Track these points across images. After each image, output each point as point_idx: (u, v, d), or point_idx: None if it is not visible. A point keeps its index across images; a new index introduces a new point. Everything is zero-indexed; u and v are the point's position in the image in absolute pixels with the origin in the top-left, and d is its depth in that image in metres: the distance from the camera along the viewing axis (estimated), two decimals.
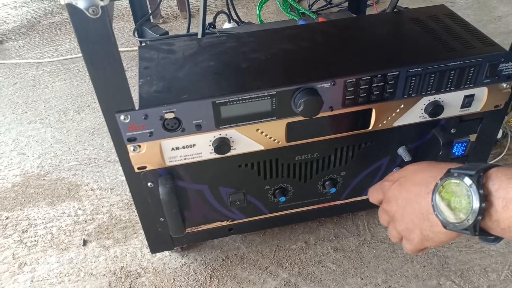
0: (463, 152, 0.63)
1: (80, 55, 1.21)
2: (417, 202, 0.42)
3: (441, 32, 0.59)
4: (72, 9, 0.38)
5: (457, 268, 0.66)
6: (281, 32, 0.62)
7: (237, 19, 1.05)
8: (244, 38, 0.60)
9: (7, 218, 0.77)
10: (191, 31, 0.99)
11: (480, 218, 0.35)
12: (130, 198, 0.78)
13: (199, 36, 0.70)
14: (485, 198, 0.35)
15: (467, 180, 0.36)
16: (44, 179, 0.85)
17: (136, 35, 1.02)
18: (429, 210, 0.40)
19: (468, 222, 0.36)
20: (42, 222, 0.76)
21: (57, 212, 0.78)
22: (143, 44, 0.98)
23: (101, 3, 0.38)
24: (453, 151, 0.63)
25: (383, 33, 0.60)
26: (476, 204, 0.35)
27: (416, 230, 0.42)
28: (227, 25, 1.01)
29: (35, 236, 0.74)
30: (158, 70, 0.54)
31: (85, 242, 0.72)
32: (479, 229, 0.36)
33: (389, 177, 0.49)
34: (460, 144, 0.62)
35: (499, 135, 0.85)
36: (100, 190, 0.82)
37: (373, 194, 0.51)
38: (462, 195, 0.36)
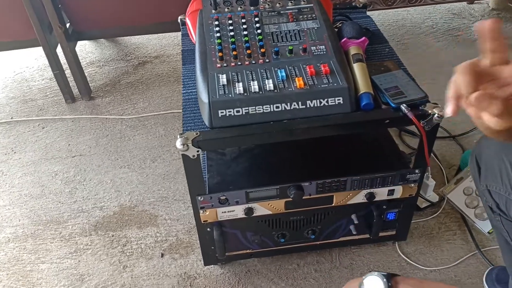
0: (394, 217, 1.05)
1: (152, 113, 1.69)
2: None
3: (377, 152, 1.01)
4: (185, 156, 0.82)
5: None
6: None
7: None
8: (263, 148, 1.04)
9: (112, 236, 1.24)
10: None
11: None
12: (190, 227, 1.23)
13: None
14: None
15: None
16: (134, 210, 1.31)
17: None
18: None
19: None
20: (135, 240, 1.22)
21: (144, 234, 1.24)
22: None
23: (196, 153, 0.82)
24: (388, 216, 1.04)
25: (344, 148, 1.03)
26: None
27: None
28: None
29: (131, 249, 1.20)
30: (216, 167, 0.98)
31: (162, 255, 1.17)
32: None
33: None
34: (391, 213, 1.04)
35: (436, 199, 1.25)
36: (170, 220, 1.27)
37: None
38: None
